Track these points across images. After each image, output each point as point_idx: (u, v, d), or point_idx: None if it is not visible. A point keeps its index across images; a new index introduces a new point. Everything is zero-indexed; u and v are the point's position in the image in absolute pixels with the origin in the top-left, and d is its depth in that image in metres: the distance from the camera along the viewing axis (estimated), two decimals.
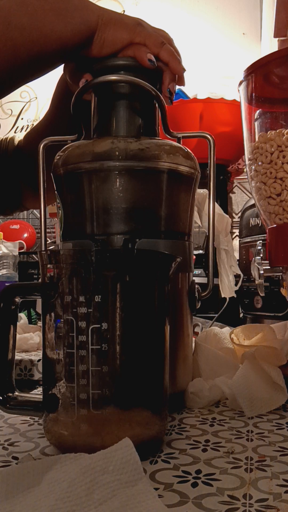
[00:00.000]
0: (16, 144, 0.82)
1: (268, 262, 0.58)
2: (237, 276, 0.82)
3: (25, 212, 2.39)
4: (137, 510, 0.27)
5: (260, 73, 0.58)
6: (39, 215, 0.61)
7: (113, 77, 0.55)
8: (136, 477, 0.30)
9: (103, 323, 0.38)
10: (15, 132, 2.65)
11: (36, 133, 0.77)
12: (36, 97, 2.64)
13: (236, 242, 1.38)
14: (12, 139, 0.83)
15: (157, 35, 0.57)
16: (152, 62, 0.55)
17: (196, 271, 1.32)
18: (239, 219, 1.30)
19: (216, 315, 1.07)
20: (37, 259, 1.90)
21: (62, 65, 0.62)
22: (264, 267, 0.58)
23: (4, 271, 1.48)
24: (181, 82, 0.59)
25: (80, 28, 0.54)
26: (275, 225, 0.57)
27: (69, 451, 0.34)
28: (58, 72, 0.64)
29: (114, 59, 0.56)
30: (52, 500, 0.27)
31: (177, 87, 0.60)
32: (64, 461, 0.30)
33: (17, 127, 2.66)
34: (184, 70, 0.58)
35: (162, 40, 0.57)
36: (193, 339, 0.60)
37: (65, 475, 0.28)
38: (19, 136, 0.83)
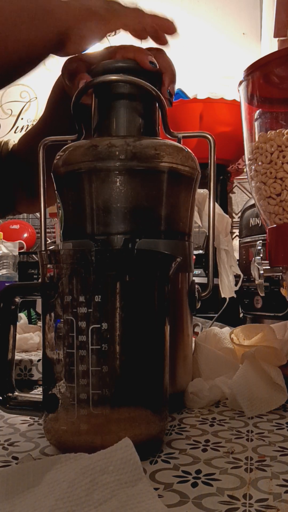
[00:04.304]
0: (10, 148, 0.82)
1: (268, 262, 0.58)
2: (237, 276, 0.82)
3: None
4: (137, 510, 0.27)
5: (260, 73, 0.58)
6: (39, 215, 0.61)
7: (113, 77, 0.55)
8: (136, 477, 0.30)
9: (103, 323, 0.38)
10: (15, 132, 2.64)
11: (31, 137, 0.77)
12: (36, 97, 2.64)
13: (236, 242, 1.38)
14: (7, 143, 0.83)
15: (132, 13, 0.57)
16: (153, 64, 0.55)
17: (196, 271, 1.32)
18: (239, 219, 1.30)
19: (216, 315, 1.07)
20: (37, 259, 1.90)
21: (61, 68, 0.62)
22: (264, 267, 0.58)
23: (4, 271, 1.48)
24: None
25: (54, 31, 0.54)
26: (275, 225, 0.57)
27: (69, 451, 0.34)
28: (58, 73, 0.64)
29: (114, 62, 0.56)
30: (52, 500, 0.27)
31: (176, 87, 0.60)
32: (64, 461, 0.30)
33: (17, 127, 2.66)
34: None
35: (140, 19, 0.57)
36: (193, 339, 0.59)
37: (65, 475, 0.28)
38: (15, 140, 0.83)
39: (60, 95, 0.67)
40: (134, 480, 0.29)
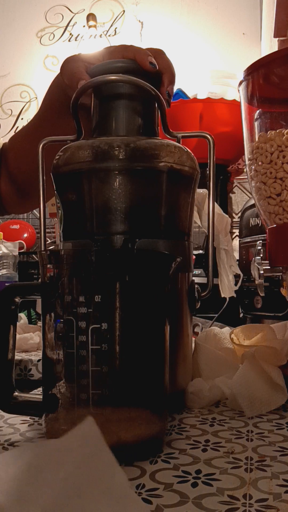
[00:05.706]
0: (1, 147, 0.81)
1: (268, 262, 0.58)
2: (237, 276, 0.82)
3: None
4: (102, 485, 0.27)
5: (260, 73, 0.58)
6: (39, 215, 0.61)
7: (113, 77, 0.55)
8: (98, 449, 0.29)
9: (103, 323, 0.38)
10: (15, 132, 2.65)
11: (23, 136, 0.77)
12: (36, 97, 2.64)
13: (236, 242, 1.38)
14: None
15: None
16: (153, 65, 0.55)
17: (196, 271, 1.32)
18: (239, 219, 1.30)
19: (216, 315, 1.07)
20: (37, 259, 1.90)
21: (60, 67, 0.62)
22: (264, 267, 0.58)
23: (4, 271, 1.48)
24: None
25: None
26: (275, 225, 0.57)
27: None
28: (58, 73, 0.64)
29: (114, 62, 0.56)
30: (21, 485, 0.26)
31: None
32: (32, 448, 0.30)
33: (17, 127, 2.66)
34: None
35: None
36: (193, 339, 0.59)
37: (33, 461, 0.28)
38: (4, 139, 0.83)
39: (57, 95, 0.67)
40: (96, 453, 0.29)
